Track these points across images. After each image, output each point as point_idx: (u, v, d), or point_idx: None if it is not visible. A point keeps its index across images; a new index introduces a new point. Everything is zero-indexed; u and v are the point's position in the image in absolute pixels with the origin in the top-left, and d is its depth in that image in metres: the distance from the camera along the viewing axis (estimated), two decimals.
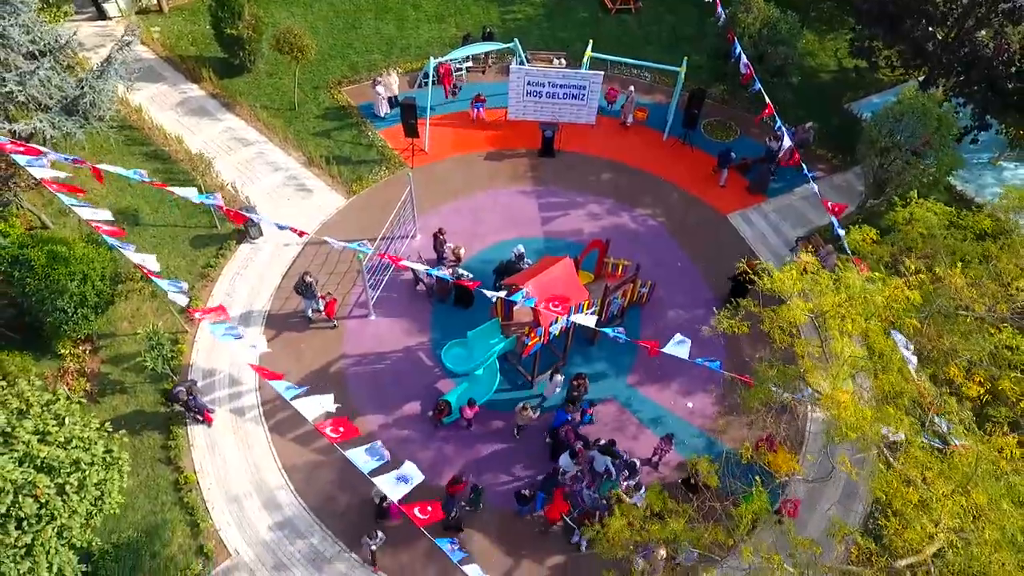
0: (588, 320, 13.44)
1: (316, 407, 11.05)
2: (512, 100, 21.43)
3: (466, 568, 10.50)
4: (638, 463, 13.83)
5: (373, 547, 12.67)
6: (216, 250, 18.23)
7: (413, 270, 17.51)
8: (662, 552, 12.16)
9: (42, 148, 14.57)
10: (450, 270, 16.09)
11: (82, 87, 16.58)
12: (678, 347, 12.60)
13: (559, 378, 15.02)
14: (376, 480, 10.30)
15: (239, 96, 22.36)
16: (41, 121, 15.95)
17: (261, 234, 18.58)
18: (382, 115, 22.22)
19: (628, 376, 16.14)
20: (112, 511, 11.23)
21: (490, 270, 16.96)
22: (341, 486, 14.20)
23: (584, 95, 21.08)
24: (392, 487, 9.99)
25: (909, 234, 11.18)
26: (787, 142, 19.26)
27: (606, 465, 13.42)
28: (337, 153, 20.97)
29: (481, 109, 22.40)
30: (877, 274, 10.38)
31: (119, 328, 16.44)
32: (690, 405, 15.74)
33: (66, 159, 15.08)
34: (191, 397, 14.33)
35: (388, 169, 20.64)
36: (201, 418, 14.83)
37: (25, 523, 9.88)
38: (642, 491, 13.08)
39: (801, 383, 10.83)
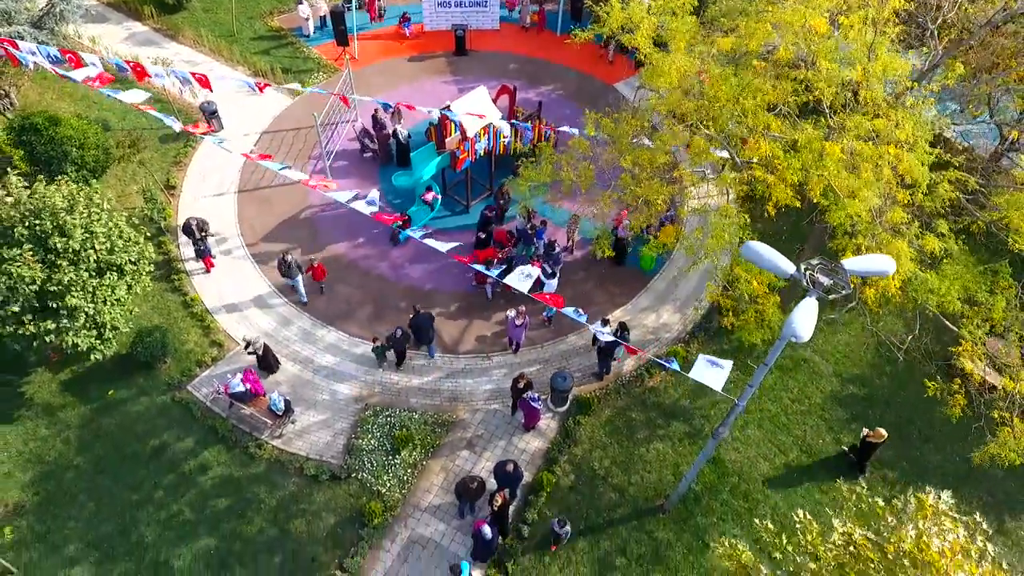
0: (504, 125, 17.45)
1: (301, 173, 14.51)
2: (426, 12, 25.15)
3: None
4: (555, 246, 17.81)
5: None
6: (183, 145, 21.08)
7: (360, 140, 21.02)
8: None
9: (27, 44, 17.21)
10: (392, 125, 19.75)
11: (51, 3, 19.25)
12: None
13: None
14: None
15: (181, 27, 25.08)
16: (18, 28, 18.56)
17: (222, 127, 21.54)
18: (309, 34, 25.47)
19: (543, 196, 20.11)
20: (145, 288, 14.31)
21: (423, 130, 20.58)
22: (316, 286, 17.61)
23: (486, 1, 25.02)
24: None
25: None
26: None
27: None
28: (278, 65, 24.07)
29: (410, 27, 25.90)
30: None
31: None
32: (594, 211, 19.81)
33: (48, 54, 17.68)
34: (202, 231, 17.27)
35: (325, 74, 23.95)
36: (203, 263, 17.71)
37: (88, 272, 12.90)
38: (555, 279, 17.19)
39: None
